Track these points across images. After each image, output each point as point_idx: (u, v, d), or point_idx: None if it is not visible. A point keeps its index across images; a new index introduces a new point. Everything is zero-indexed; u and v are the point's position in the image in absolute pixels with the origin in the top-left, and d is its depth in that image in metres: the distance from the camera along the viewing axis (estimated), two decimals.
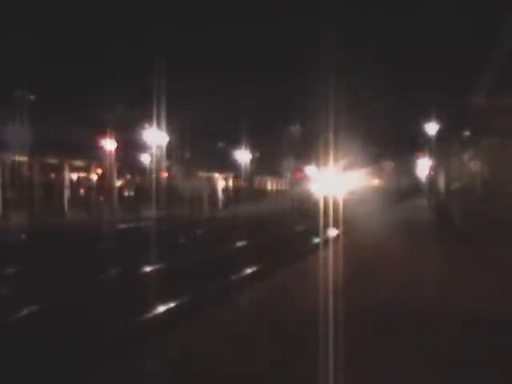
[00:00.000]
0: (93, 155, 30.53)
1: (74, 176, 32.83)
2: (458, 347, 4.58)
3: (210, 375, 3.98)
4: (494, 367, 4.13)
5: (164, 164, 34.84)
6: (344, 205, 15.61)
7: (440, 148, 32.52)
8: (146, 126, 32.79)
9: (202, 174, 48.22)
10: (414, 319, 5.45)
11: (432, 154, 35.45)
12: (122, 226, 21.99)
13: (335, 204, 14.38)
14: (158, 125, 30.64)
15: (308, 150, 49.62)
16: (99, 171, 33.05)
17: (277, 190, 61.82)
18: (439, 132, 30.93)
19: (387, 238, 13.81)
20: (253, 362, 4.17)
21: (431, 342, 4.68)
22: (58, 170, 29.51)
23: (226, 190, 45.51)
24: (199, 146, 44.08)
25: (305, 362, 4.14)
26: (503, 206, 19.06)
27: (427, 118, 31.45)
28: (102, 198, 29.09)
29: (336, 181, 33.05)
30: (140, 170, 36.54)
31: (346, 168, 45.96)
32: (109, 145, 30.29)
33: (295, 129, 51.41)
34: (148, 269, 10.73)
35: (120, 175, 35.47)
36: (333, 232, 14.07)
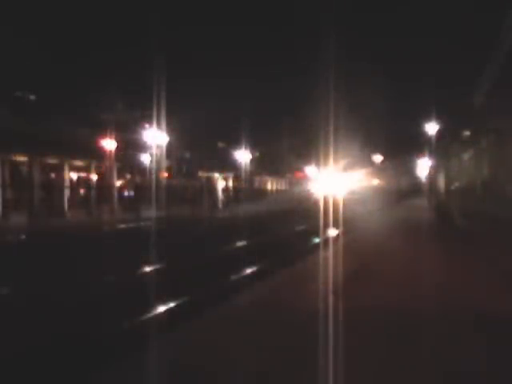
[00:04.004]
0: (93, 155, 30.52)
1: (74, 176, 32.83)
2: (457, 344, 4.60)
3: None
4: (488, 360, 4.14)
5: (164, 164, 34.83)
6: (344, 204, 15.60)
7: (440, 148, 32.52)
8: (146, 126, 32.81)
9: (202, 174, 48.24)
10: (413, 317, 5.46)
11: (432, 154, 35.45)
12: (122, 226, 21.99)
13: (335, 204, 14.37)
14: (158, 125, 30.64)
15: (308, 149, 49.64)
16: (99, 171, 33.04)
17: (277, 190, 61.86)
18: (439, 132, 30.93)
19: (387, 238, 13.80)
20: (250, 359, 4.18)
21: (427, 339, 4.68)
22: (58, 170, 29.49)
23: (226, 189, 45.49)
24: (199, 146, 44.11)
25: (304, 358, 4.14)
26: (503, 205, 19.08)
27: (427, 118, 31.45)
28: (101, 198, 29.06)
29: (336, 181, 33.06)
30: (140, 169, 36.54)
31: (346, 168, 46.01)
32: (109, 145, 30.29)
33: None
34: (147, 269, 10.72)
35: (120, 175, 35.45)
36: (333, 232, 14.06)
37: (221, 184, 46.87)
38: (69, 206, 27.92)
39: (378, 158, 62.37)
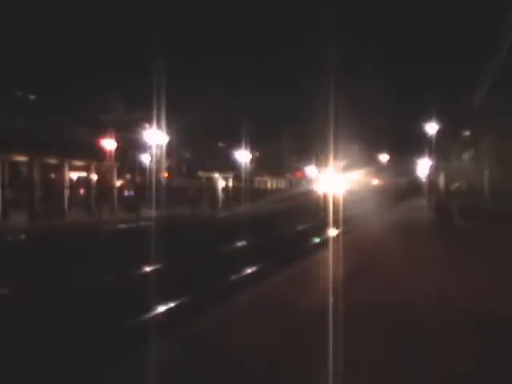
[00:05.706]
0: (93, 155, 30.51)
1: (74, 176, 32.81)
2: (455, 339, 4.62)
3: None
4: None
5: (164, 164, 34.83)
6: (344, 204, 15.61)
7: (440, 148, 32.52)
8: (146, 125, 32.81)
9: (202, 174, 48.27)
10: (412, 316, 5.47)
11: (432, 154, 35.44)
12: (122, 226, 21.98)
13: (335, 203, 14.39)
14: (158, 125, 30.63)
15: (308, 149, 49.68)
16: (99, 171, 33.03)
17: (277, 190, 61.87)
18: (439, 132, 30.92)
19: (387, 237, 13.79)
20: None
21: (425, 338, 4.68)
22: (58, 169, 29.48)
23: (226, 189, 45.50)
24: (199, 146, 44.15)
25: (304, 357, 4.15)
26: (503, 205, 19.08)
27: (427, 118, 31.44)
28: (101, 198, 29.04)
29: (336, 180, 33.08)
30: (140, 169, 36.55)
31: (346, 168, 46.02)
32: (109, 145, 30.28)
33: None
34: (147, 269, 10.72)
35: (120, 175, 35.44)
36: (333, 231, 14.08)
37: (221, 184, 46.86)
38: (69, 206, 27.88)
39: (384, 158, 62.53)
